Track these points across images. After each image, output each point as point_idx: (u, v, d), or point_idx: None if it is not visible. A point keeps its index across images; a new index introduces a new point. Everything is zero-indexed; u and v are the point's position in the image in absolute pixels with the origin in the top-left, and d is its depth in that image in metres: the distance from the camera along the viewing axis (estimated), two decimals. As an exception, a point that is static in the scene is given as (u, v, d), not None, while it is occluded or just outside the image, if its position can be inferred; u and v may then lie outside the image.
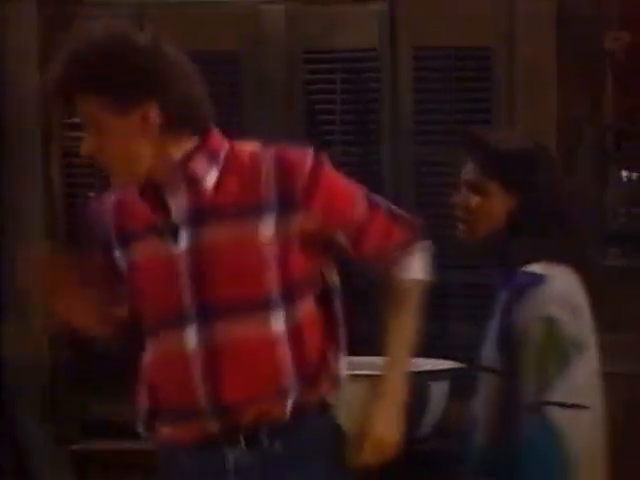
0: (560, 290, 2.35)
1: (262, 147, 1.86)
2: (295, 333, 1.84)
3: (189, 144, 1.80)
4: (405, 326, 1.95)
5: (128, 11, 3.46)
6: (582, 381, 2.32)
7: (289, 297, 1.83)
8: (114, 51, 1.74)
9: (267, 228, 1.80)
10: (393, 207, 2.01)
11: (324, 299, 1.93)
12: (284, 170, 1.81)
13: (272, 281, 1.81)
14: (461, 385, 2.75)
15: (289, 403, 1.82)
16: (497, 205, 2.43)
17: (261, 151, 1.84)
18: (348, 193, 1.91)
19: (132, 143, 1.77)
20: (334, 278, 1.97)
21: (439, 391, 3.08)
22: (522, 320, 2.32)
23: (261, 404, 1.81)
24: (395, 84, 3.54)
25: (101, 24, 1.84)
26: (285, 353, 1.82)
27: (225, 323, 1.80)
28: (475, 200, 2.44)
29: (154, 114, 1.74)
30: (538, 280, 2.35)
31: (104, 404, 3.54)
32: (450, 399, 3.06)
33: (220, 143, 1.84)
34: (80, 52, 1.73)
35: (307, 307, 1.87)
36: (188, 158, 1.79)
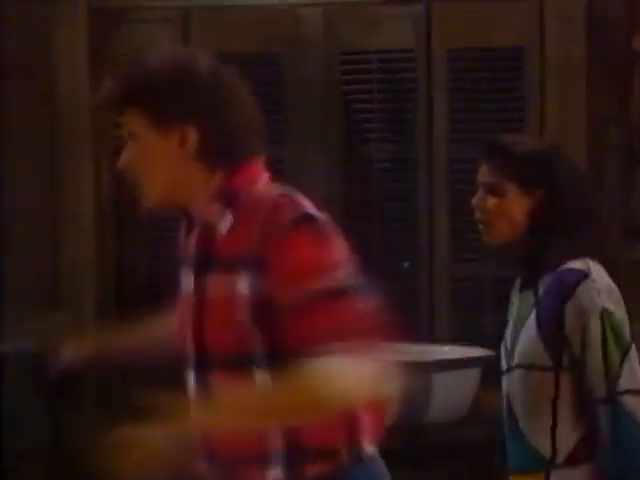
0: (604, 283, 2.43)
1: (275, 195, 1.82)
2: None
3: (220, 178, 1.80)
4: (254, 395, 1.78)
5: (173, 14, 3.67)
6: (638, 366, 2.43)
7: (274, 358, 1.77)
8: (169, 71, 1.78)
9: (243, 285, 1.75)
10: (371, 311, 1.81)
11: None
12: (267, 226, 1.76)
13: (252, 340, 1.76)
14: (492, 373, 2.83)
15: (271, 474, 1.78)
16: (515, 206, 2.50)
17: (270, 200, 1.80)
18: (308, 269, 1.77)
19: (166, 165, 1.80)
20: None
21: (471, 378, 3.21)
22: (576, 316, 2.40)
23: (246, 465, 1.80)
24: (430, 84, 3.69)
25: (170, 47, 1.95)
26: None
27: (215, 375, 1.78)
28: (493, 202, 2.51)
29: (192, 139, 1.76)
30: (583, 276, 2.42)
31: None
32: (482, 386, 3.20)
33: (247, 181, 1.81)
34: (136, 65, 1.79)
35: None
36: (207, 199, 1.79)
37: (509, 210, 2.48)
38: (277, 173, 1.92)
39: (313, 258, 1.78)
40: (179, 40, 3.72)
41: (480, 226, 2.49)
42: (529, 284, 2.50)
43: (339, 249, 1.81)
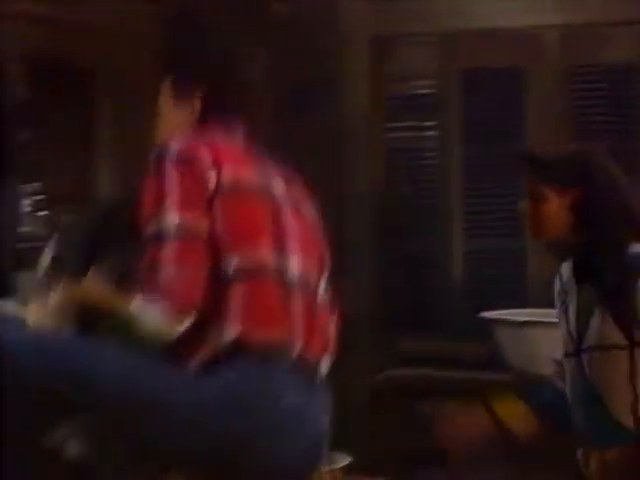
0: None
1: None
2: None
3: None
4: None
5: (434, 38, 4.36)
6: None
7: None
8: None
9: None
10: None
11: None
12: None
13: None
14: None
15: None
16: (554, 207, 2.66)
17: None
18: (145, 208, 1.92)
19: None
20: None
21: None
22: None
23: None
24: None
25: None
26: None
27: None
28: (534, 207, 2.67)
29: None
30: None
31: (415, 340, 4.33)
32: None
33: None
34: None
35: None
36: None
37: (549, 211, 2.66)
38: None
39: (151, 198, 1.91)
40: (438, 59, 4.39)
41: (529, 231, 2.69)
42: (587, 273, 2.66)
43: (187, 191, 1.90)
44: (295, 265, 2.05)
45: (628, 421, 2.56)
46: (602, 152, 2.71)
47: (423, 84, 4.57)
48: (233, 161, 2.00)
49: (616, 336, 2.57)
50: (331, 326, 2.21)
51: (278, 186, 2.12)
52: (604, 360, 2.61)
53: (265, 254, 1.99)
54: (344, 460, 3.46)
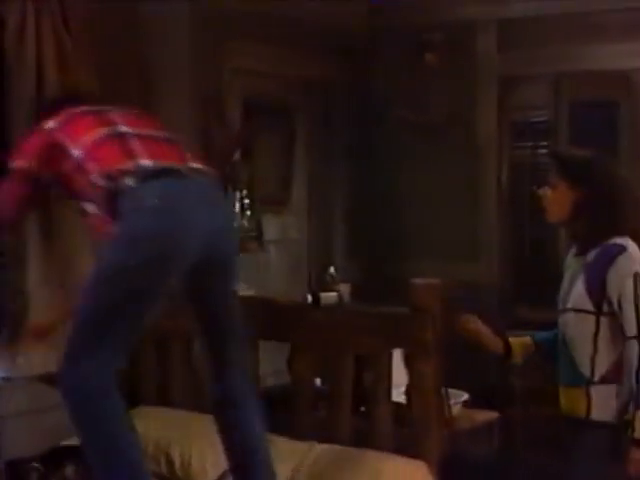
0: (638, 255, 2.90)
1: None
2: None
3: None
4: None
5: (548, 79, 5.10)
6: None
7: None
8: None
9: None
10: None
11: None
12: None
13: None
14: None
15: None
16: (563, 197, 2.97)
17: None
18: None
19: None
20: None
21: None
22: (616, 277, 2.87)
23: None
24: None
25: None
26: None
27: None
28: (548, 193, 3.00)
29: None
30: (622, 249, 2.89)
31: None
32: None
33: None
34: None
35: None
36: None
37: (558, 200, 2.99)
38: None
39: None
40: (551, 94, 5.08)
41: (544, 211, 3.03)
42: (582, 252, 2.99)
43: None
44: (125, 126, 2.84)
45: (587, 370, 2.95)
46: (609, 161, 3.08)
47: (539, 113, 5.31)
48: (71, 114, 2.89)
49: (587, 303, 2.93)
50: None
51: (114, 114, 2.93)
52: (576, 320, 2.98)
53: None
54: (463, 396, 3.88)
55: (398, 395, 3.57)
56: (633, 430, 2.83)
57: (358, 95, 5.54)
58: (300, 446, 3.51)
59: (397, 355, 3.56)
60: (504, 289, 5.28)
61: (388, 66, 5.54)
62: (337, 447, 3.52)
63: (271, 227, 5.31)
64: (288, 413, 3.84)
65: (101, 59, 3.96)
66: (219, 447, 3.18)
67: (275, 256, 5.38)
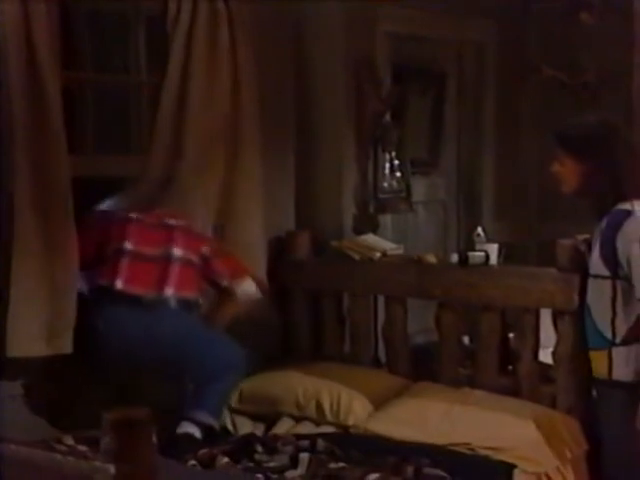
0: None
1: None
2: None
3: None
4: None
5: None
6: None
7: None
8: None
9: None
10: None
11: None
12: None
13: None
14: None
15: None
16: (570, 172, 3.12)
17: None
18: None
19: None
20: None
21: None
22: (623, 242, 2.94)
23: None
24: None
25: None
26: None
27: None
28: (557, 168, 3.13)
29: None
30: (628, 214, 2.96)
31: None
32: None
33: None
34: None
35: None
36: None
37: (565, 175, 3.15)
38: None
39: None
40: None
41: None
42: (597, 220, 3.10)
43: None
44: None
45: (608, 333, 3.04)
46: (612, 129, 3.10)
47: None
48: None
49: (603, 269, 3.04)
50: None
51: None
52: (596, 285, 3.09)
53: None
54: None
55: (547, 356, 3.62)
56: None
57: (510, 58, 5.52)
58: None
59: (547, 316, 3.61)
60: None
61: (542, 27, 5.51)
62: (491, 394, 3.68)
63: (420, 188, 5.39)
64: (436, 370, 3.95)
65: (253, 25, 4.09)
66: (366, 394, 3.52)
67: (424, 217, 5.47)
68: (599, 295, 3.07)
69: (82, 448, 3.16)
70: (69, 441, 3.25)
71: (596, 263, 3.06)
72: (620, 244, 2.96)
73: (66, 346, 3.47)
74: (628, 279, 2.95)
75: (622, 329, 3.01)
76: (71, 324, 3.49)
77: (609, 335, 3.03)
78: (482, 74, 5.58)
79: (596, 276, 3.07)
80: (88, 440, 3.17)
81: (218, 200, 4.01)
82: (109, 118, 4.09)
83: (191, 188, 3.88)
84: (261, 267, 4.15)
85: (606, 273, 3.02)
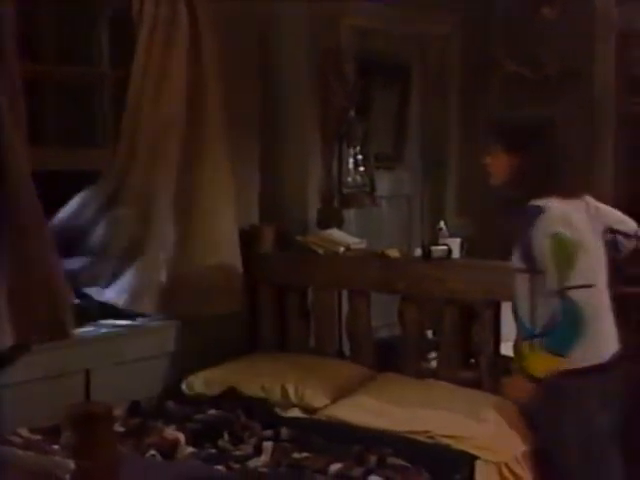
0: (557, 213, 2.97)
1: None
2: None
3: None
4: None
5: None
6: (587, 268, 2.94)
7: None
8: None
9: None
10: None
11: None
12: None
13: None
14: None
15: None
16: (499, 163, 3.12)
17: None
18: None
19: None
20: None
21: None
22: (537, 238, 2.98)
23: None
24: None
25: None
26: None
27: None
28: (488, 160, 3.15)
29: None
30: (540, 210, 2.98)
31: None
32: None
33: None
34: None
35: None
36: None
37: (495, 167, 3.17)
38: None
39: None
40: None
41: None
42: (519, 215, 3.09)
43: None
44: None
45: (528, 324, 3.11)
46: (546, 124, 3.09)
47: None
48: None
49: (521, 263, 3.09)
50: None
51: None
52: (517, 280, 3.15)
53: None
54: None
55: (508, 349, 3.68)
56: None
57: (474, 53, 5.56)
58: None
59: (508, 310, 3.63)
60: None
61: (504, 20, 5.53)
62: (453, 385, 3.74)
63: (384, 183, 5.40)
64: (400, 364, 3.98)
65: (217, 22, 4.10)
66: (330, 380, 3.58)
67: (387, 211, 5.49)
68: (521, 288, 3.12)
69: (36, 437, 3.15)
70: (24, 433, 3.23)
71: (516, 257, 3.11)
72: (533, 240, 3.00)
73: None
74: (543, 273, 3.01)
75: (539, 321, 3.06)
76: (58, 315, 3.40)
77: (529, 326, 3.10)
78: (446, 69, 5.60)
79: (517, 270, 3.12)
80: (43, 431, 3.16)
81: (183, 199, 4.01)
82: (71, 110, 4.06)
83: (146, 185, 3.88)
84: (237, 264, 4.17)
85: (524, 267, 3.07)
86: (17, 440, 3.15)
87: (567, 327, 2.95)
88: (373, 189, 5.07)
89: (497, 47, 5.56)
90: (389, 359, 4.05)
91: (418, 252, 4.04)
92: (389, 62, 5.36)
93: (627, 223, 3.26)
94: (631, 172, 5.39)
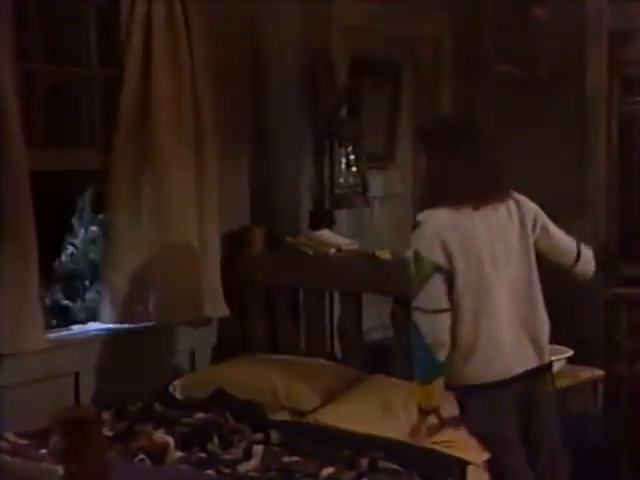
0: (428, 230, 2.93)
1: None
2: None
3: None
4: None
5: None
6: (437, 294, 2.91)
7: None
8: None
9: None
10: None
11: None
12: None
13: None
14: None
15: None
16: (422, 165, 3.07)
17: None
18: None
19: None
20: None
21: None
22: (409, 254, 3.03)
23: None
24: None
25: None
26: None
27: None
28: (416, 162, 3.33)
29: None
30: (415, 225, 2.99)
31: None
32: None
33: None
34: None
35: None
36: None
37: (420, 167, 3.12)
38: None
39: None
40: None
41: None
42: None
43: None
44: None
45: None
46: (457, 129, 3.04)
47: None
48: None
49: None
50: None
51: None
52: None
53: None
54: (567, 352, 3.89)
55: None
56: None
57: (464, 51, 5.54)
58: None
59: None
60: (610, 246, 5.26)
61: (496, 20, 5.51)
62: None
63: (376, 183, 5.37)
64: (391, 366, 3.95)
65: (208, 21, 4.08)
66: (320, 382, 3.56)
67: (380, 211, 5.47)
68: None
69: (23, 442, 3.12)
70: (11, 437, 3.20)
71: None
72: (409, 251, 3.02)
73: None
74: None
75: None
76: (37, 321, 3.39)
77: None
78: (438, 68, 5.59)
79: None
80: (29, 435, 3.13)
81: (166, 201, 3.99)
82: (60, 110, 4.03)
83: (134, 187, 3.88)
84: (216, 269, 4.15)
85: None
86: (4, 445, 3.11)
87: (416, 350, 2.98)
88: (366, 189, 5.03)
89: (489, 47, 5.54)
90: (381, 362, 4.02)
91: (411, 253, 3.99)
92: (381, 62, 5.33)
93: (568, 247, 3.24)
94: (623, 172, 5.41)
